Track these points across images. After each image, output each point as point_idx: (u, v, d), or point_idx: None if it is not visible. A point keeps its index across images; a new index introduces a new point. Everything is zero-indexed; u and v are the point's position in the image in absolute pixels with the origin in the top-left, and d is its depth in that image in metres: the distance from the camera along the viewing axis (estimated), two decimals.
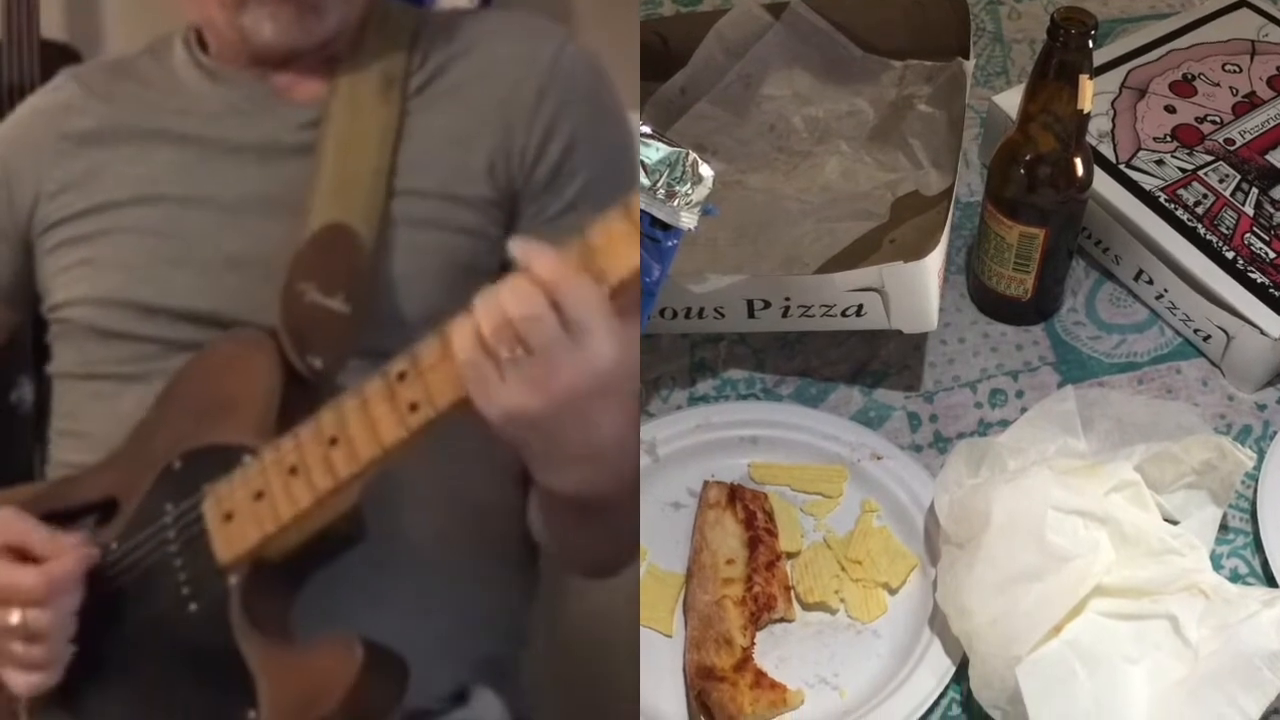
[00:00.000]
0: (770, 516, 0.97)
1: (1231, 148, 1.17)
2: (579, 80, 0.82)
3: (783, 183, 1.24)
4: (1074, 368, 1.09)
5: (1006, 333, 1.12)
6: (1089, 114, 0.98)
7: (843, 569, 0.95)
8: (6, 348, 0.87)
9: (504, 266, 0.63)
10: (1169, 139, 1.18)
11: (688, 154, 0.86)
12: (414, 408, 0.64)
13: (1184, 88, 1.23)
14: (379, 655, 0.67)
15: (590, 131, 0.81)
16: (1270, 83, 1.24)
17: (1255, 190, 1.13)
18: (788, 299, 1.01)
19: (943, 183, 1.17)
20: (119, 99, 0.84)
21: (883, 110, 1.25)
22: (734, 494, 0.97)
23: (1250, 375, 1.06)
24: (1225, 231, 1.09)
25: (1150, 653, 0.84)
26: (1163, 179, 1.14)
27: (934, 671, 0.88)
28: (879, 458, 1.01)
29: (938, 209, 1.13)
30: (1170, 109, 1.21)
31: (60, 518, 0.76)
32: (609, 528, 0.73)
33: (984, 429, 1.05)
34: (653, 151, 0.86)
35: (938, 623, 0.90)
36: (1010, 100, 1.16)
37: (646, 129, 0.87)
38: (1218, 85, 1.23)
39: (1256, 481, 0.98)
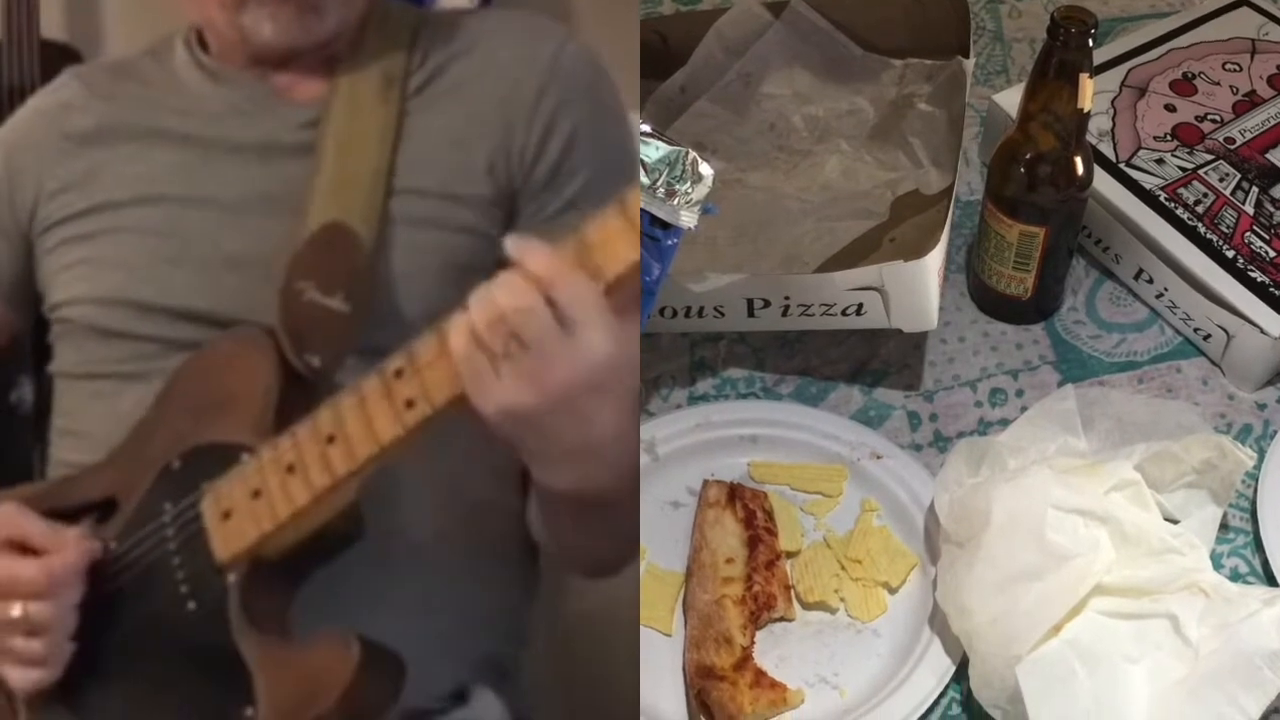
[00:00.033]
0: (770, 515, 0.97)
1: (1232, 146, 1.17)
2: (579, 79, 0.82)
3: (783, 181, 1.24)
4: (1074, 367, 1.09)
5: (1006, 332, 1.12)
6: (1089, 113, 0.98)
7: (843, 568, 0.95)
8: (7, 348, 0.87)
9: (502, 265, 0.62)
10: (1169, 138, 1.18)
11: (687, 152, 0.86)
12: (411, 405, 0.64)
13: (1184, 86, 1.23)
14: (375, 653, 0.67)
15: (590, 130, 0.81)
16: (1270, 81, 1.24)
17: (1255, 189, 1.13)
18: (787, 298, 1.01)
19: (943, 181, 1.17)
20: (120, 99, 0.85)
21: (883, 109, 1.25)
22: (734, 493, 0.97)
23: (1250, 374, 1.06)
24: (1225, 230, 1.09)
25: (1150, 652, 0.84)
26: (1163, 178, 1.13)
27: (934, 671, 0.88)
28: (879, 457, 1.01)
29: (938, 208, 1.13)
30: (1170, 108, 1.21)
31: (60, 517, 0.76)
32: (608, 526, 0.73)
33: (984, 428, 1.05)
34: (652, 150, 0.86)
35: (938, 622, 0.89)
36: (1010, 99, 1.16)
37: (646, 127, 0.87)
38: (1218, 84, 1.23)
39: (1257, 481, 0.98)
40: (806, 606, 0.93)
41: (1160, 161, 1.15)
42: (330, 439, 0.66)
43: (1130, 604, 0.85)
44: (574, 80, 0.82)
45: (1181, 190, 1.12)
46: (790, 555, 0.96)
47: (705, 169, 0.86)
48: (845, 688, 0.89)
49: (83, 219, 0.82)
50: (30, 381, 0.90)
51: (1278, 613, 0.82)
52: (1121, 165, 1.15)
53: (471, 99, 0.81)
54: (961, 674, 0.88)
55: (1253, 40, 1.28)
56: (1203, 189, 1.12)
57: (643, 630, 0.91)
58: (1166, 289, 1.10)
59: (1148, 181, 1.13)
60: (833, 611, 0.93)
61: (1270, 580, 0.93)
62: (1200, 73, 1.24)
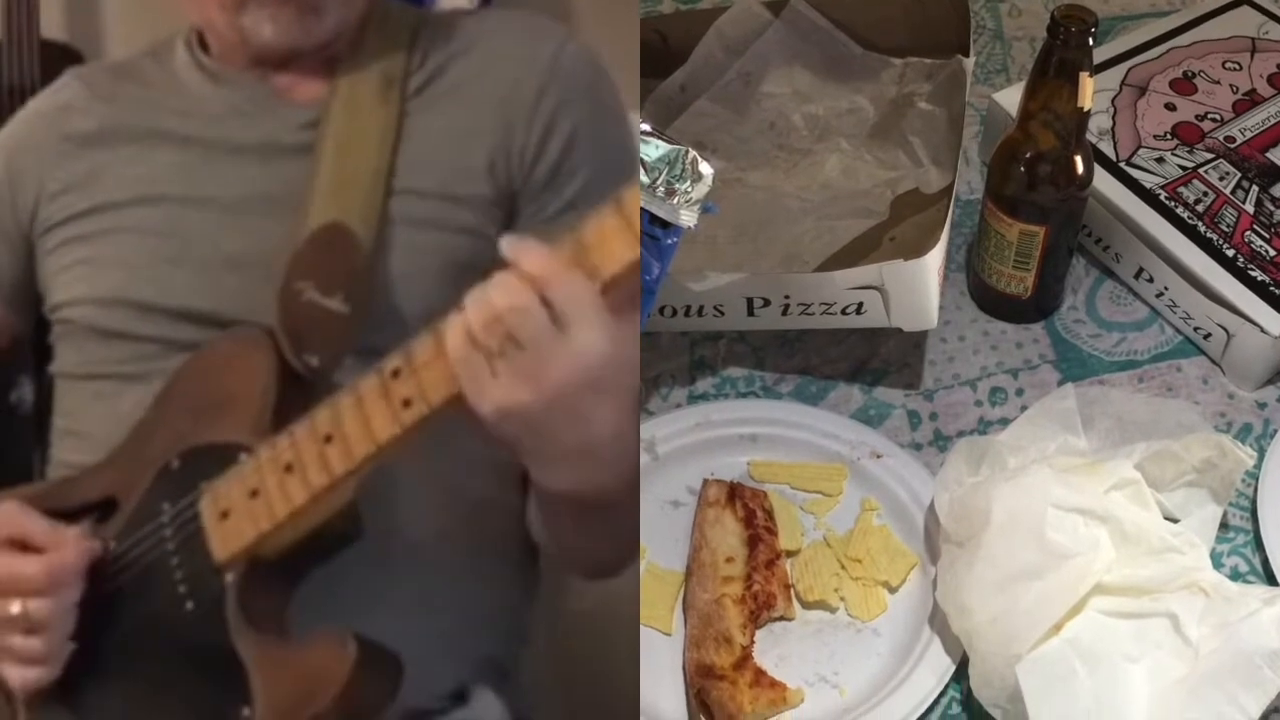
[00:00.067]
0: (770, 515, 0.97)
1: (1232, 145, 1.17)
2: (579, 78, 0.82)
3: (783, 180, 1.24)
4: (1074, 366, 1.09)
5: (1006, 331, 1.12)
6: (1089, 111, 0.97)
7: (842, 567, 0.95)
8: (8, 349, 0.87)
9: (501, 265, 0.62)
10: (1169, 136, 1.18)
11: (687, 151, 0.86)
12: (408, 404, 0.64)
13: (1184, 85, 1.23)
14: (372, 652, 0.67)
15: (590, 130, 0.81)
16: (1271, 80, 1.24)
17: (1255, 188, 1.13)
18: (787, 297, 1.01)
19: (943, 180, 1.17)
20: (121, 100, 0.85)
21: (883, 108, 1.25)
22: (734, 492, 0.97)
23: (1250, 373, 1.06)
24: (1225, 229, 1.09)
25: (1150, 651, 0.84)
26: (1163, 177, 1.13)
27: (934, 670, 0.88)
28: (879, 456, 1.01)
29: (938, 207, 1.13)
30: (1170, 106, 1.21)
31: (60, 517, 0.76)
32: (608, 527, 0.73)
33: (984, 427, 1.05)
34: (652, 149, 0.86)
35: (938, 621, 0.89)
36: (1010, 98, 1.16)
37: (646, 126, 0.87)
38: (1218, 83, 1.23)
39: (1257, 480, 0.98)
40: (806, 606, 0.93)
41: (1160, 160, 1.15)
42: (328, 438, 0.66)
43: (1130, 603, 0.85)
44: (574, 80, 0.82)
45: (1182, 189, 1.12)
46: (790, 554, 0.96)
47: (705, 168, 0.86)
48: (845, 687, 0.89)
49: (83, 220, 0.82)
50: (30, 382, 0.90)
51: (1278, 612, 0.82)
52: (1122, 164, 1.15)
53: (471, 99, 0.81)
54: (961, 673, 0.88)
55: (1253, 39, 1.28)
56: (1203, 188, 1.12)
57: (642, 629, 0.91)
58: (1167, 288, 1.10)
59: (1148, 180, 1.13)
60: (833, 611, 0.93)
61: (1270, 579, 0.93)
62: (1200, 71, 1.24)
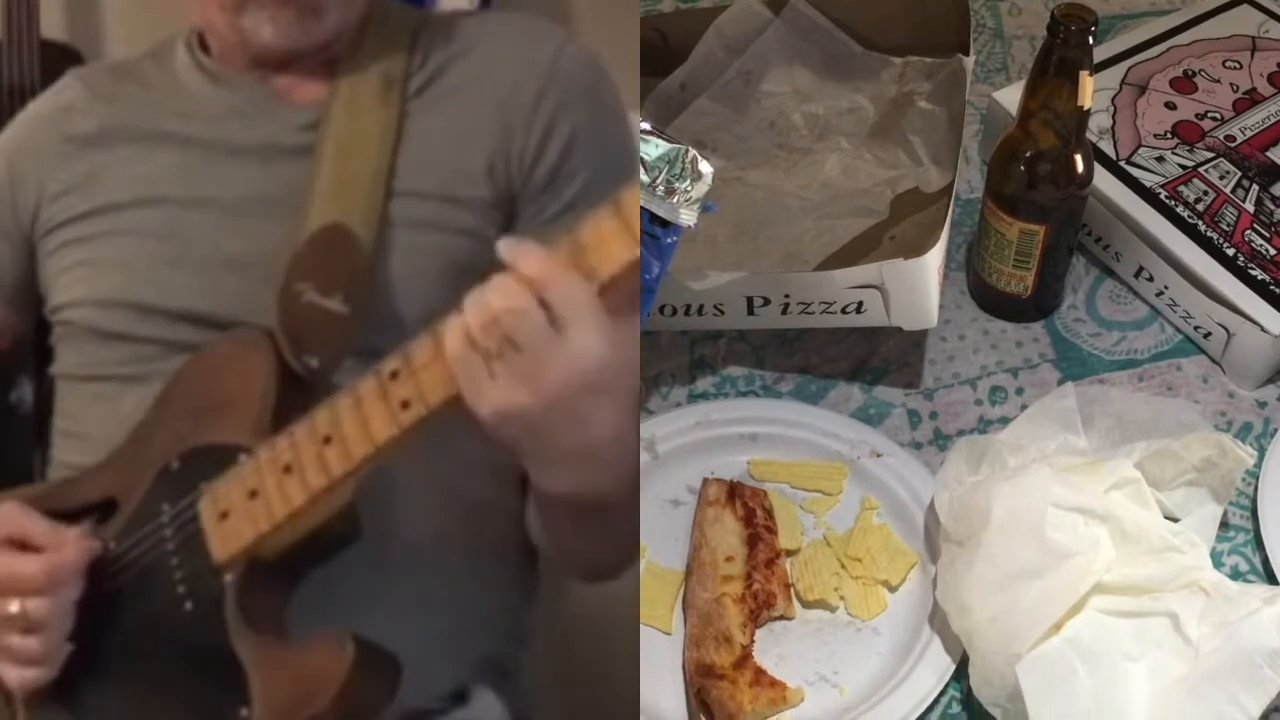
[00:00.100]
0: (770, 514, 0.97)
1: (1232, 144, 1.17)
2: (578, 81, 0.82)
3: (782, 179, 1.23)
4: (1074, 365, 1.09)
5: (1007, 330, 1.12)
6: (1089, 110, 0.97)
7: (842, 566, 0.95)
8: (9, 350, 0.88)
9: (500, 267, 0.62)
10: (1169, 135, 1.18)
11: (687, 150, 0.86)
12: (406, 406, 0.64)
13: (1184, 84, 1.23)
14: (371, 653, 0.67)
15: (590, 132, 0.81)
16: (1271, 79, 1.24)
17: (1256, 187, 1.13)
18: (787, 296, 1.01)
19: (943, 179, 1.17)
20: (121, 101, 0.85)
21: (883, 107, 1.25)
22: (733, 491, 0.97)
23: (1251, 372, 1.06)
24: (1226, 228, 1.09)
25: (1151, 650, 0.84)
26: (1163, 176, 1.13)
27: (934, 669, 0.88)
28: (879, 455, 1.01)
29: (938, 206, 1.13)
30: (1171, 105, 1.21)
31: (60, 518, 0.76)
32: (607, 530, 0.72)
33: (984, 426, 1.05)
34: (652, 148, 0.85)
35: (938, 620, 0.89)
36: (1010, 97, 1.16)
37: (646, 125, 0.87)
38: (1218, 82, 1.23)
39: (1257, 479, 0.98)
40: (806, 605, 0.93)
41: (1160, 159, 1.15)
42: (327, 440, 0.66)
43: (1130, 602, 0.85)
44: (573, 82, 0.82)
45: (1182, 188, 1.12)
46: (790, 553, 0.96)
47: (705, 167, 0.86)
48: (845, 686, 0.89)
49: (84, 221, 0.82)
50: (30, 382, 0.90)
51: (1278, 611, 0.82)
52: (1122, 163, 1.15)
53: (471, 101, 0.81)
54: (961, 672, 0.88)
55: (1253, 38, 1.28)
56: (1203, 187, 1.12)
57: (642, 628, 0.91)
58: (1167, 287, 1.10)
59: (1148, 179, 1.13)
60: (832, 610, 0.93)
61: (1271, 578, 0.93)
62: (1200, 70, 1.24)
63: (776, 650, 0.91)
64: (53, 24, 1.22)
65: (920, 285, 0.96)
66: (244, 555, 0.70)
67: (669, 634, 0.92)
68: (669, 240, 0.87)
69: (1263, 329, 1.02)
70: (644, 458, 1.01)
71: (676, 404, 1.07)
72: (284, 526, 0.68)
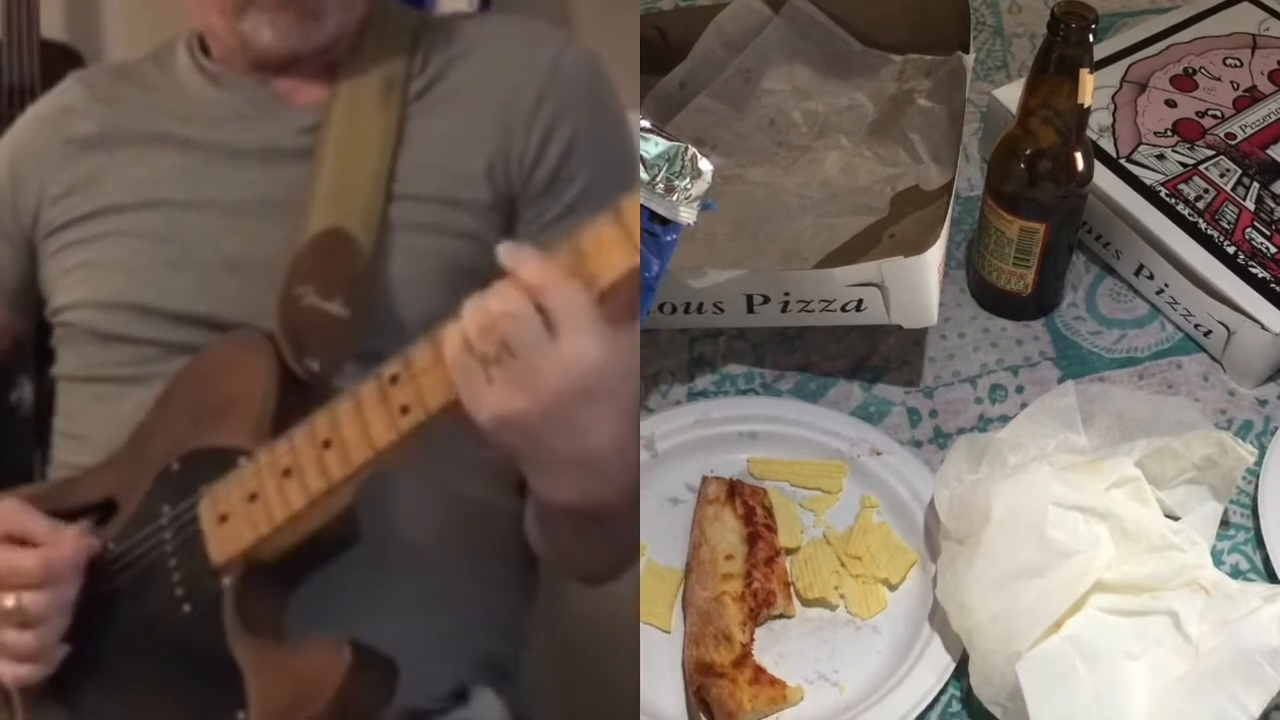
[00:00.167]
0: (769, 512, 0.97)
1: (1233, 142, 1.17)
2: (578, 84, 0.82)
3: (782, 177, 1.23)
4: (1074, 363, 1.09)
5: (1007, 328, 1.12)
6: (1089, 108, 0.97)
7: (842, 565, 0.95)
8: (10, 351, 0.88)
9: (499, 271, 0.62)
10: (1170, 133, 1.18)
11: (687, 148, 0.86)
12: (406, 411, 0.64)
13: (1185, 82, 1.23)
14: (368, 656, 0.67)
15: (590, 135, 0.81)
16: (1271, 77, 1.24)
17: (1256, 185, 1.13)
18: (787, 294, 1.00)
19: (943, 177, 1.17)
20: (122, 103, 0.85)
21: (882, 105, 1.25)
22: (733, 489, 0.97)
23: (1251, 370, 1.06)
24: (1226, 226, 1.09)
25: (1151, 649, 0.84)
26: (1164, 174, 1.13)
27: (934, 668, 0.88)
28: (879, 453, 1.01)
29: (938, 204, 1.13)
30: (1171, 103, 1.21)
31: (60, 518, 0.76)
32: (607, 538, 0.72)
33: (984, 424, 1.05)
34: (652, 146, 0.86)
35: (938, 619, 0.89)
36: (1010, 94, 1.16)
37: (645, 123, 0.87)
38: (1219, 79, 1.23)
39: (1257, 477, 0.98)
40: (806, 603, 0.93)
41: (1161, 157, 1.15)
42: (326, 444, 0.66)
43: (1131, 601, 0.85)
44: (573, 85, 0.82)
45: (1182, 186, 1.12)
46: (790, 552, 0.96)
47: (704, 164, 0.86)
48: (845, 685, 0.89)
49: (85, 223, 0.82)
50: (30, 382, 0.90)
51: (1278, 609, 0.82)
52: (1122, 161, 1.15)
53: (471, 104, 0.81)
54: (961, 671, 0.88)
55: (1253, 35, 1.28)
56: (1203, 184, 1.12)
57: (642, 627, 0.91)
58: (1167, 285, 1.09)
59: (1148, 177, 1.13)
60: (832, 608, 0.93)
61: (1271, 577, 0.93)
62: (1201, 68, 1.24)
63: (776, 649, 0.91)
64: (53, 24, 1.22)
65: (920, 283, 0.96)
66: (243, 558, 0.70)
67: (668, 632, 0.92)
68: (668, 238, 0.87)
69: (1263, 327, 1.02)
70: (643, 456, 1.01)
71: (676, 402, 1.07)
72: (283, 530, 0.68)
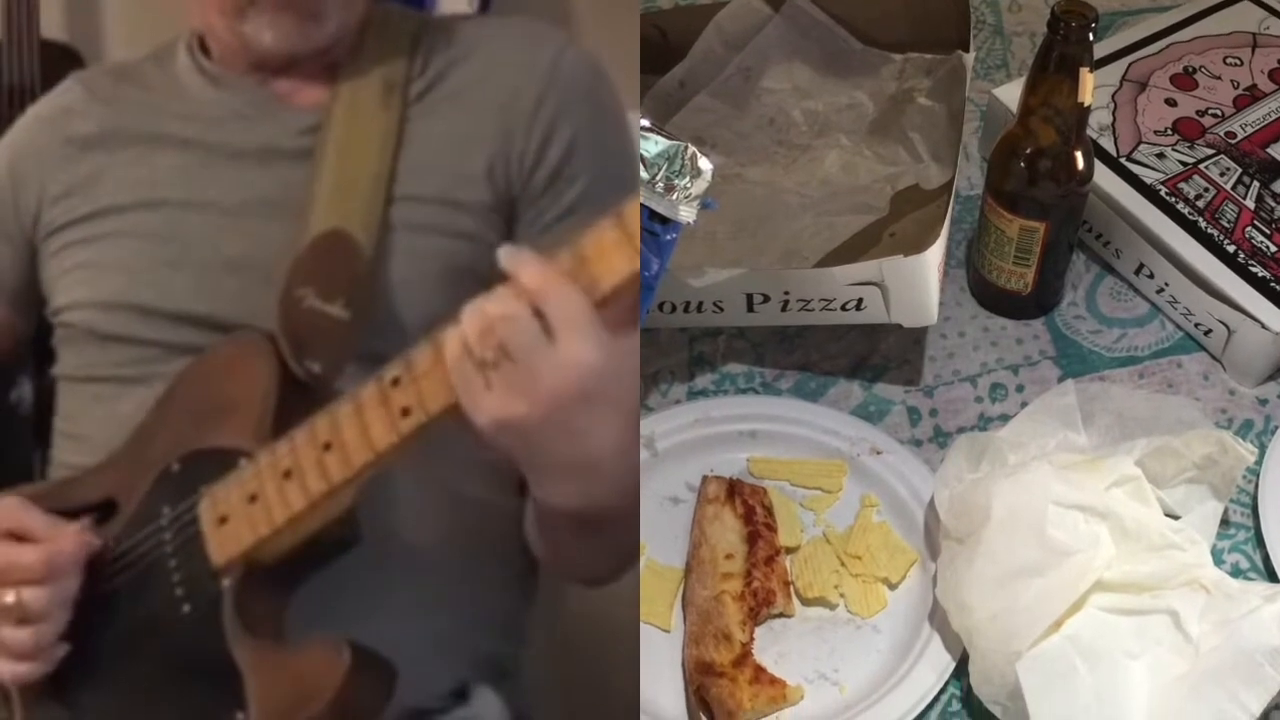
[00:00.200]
0: (769, 511, 0.97)
1: (1233, 141, 1.17)
2: (578, 85, 0.82)
3: (782, 176, 1.23)
4: (1074, 362, 1.09)
5: (1007, 327, 1.12)
6: (1089, 107, 0.97)
7: (842, 564, 0.95)
8: (10, 351, 0.88)
9: (500, 272, 0.62)
10: (1170, 132, 1.17)
11: (686, 147, 0.86)
12: (406, 413, 0.64)
13: (1185, 81, 1.23)
14: (366, 657, 0.67)
15: (590, 136, 0.81)
16: (1271, 76, 1.23)
17: (1256, 184, 1.13)
18: (787, 293, 1.00)
19: (943, 176, 1.17)
20: (122, 103, 0.85)
21: (882, 103, 1.24)
22: (733, 489, 0.97)
23: (1251, 370, 1.06)
24: (1226, 225, 1.09)
25: (1151, 648, 0.84)
26: (1164, 172, 1.13)
27: (934, 667, 0.88)
28: (879, 452, 1.01)
29: (937, 203, 1.13)
30: (1171, 102, 1.21)
31: (60, 518, 0.76)
32: (607, 540, 0.72)
33: (984, 423, 1.05)
34: (651, 145, 0.86)
35: (938, 618, 0.89)
36: (1010, 93, 1.16)
37: (645, 122, 0.87)
38: (1219, 78, 1.23)
39: (1258, 476, 0.98)
40: (806, 602, 0.93)
41: (1161, 156, 1.15)
42: (327, 445, 0.66)
43: (1131, 600, 0.85)
44: (573, 86, 0.81)
45: (1182, 185, 1.12)
46: (790, 551, 0.96)
47: (704, 164, 0.86)
48: (845, 684, 0.89)
49: (85, 223, 0.82)
50: (30, 381, 0.90)
51: (1279, 609, 0.82)
52: (1122, 160, 1.15)
53: (471, 105, 0.81)
54: (961, 670, 0.88)
55: (1254, 34, 1.28)
56: (1204, 184, 1.12)
57: (642, 626, 0.91)
58: (1167, 284, 1.09)
59: (1148, 176, 1.13)
60: (832, 607, 0.93)
61: (1271, 576, 0.93)
62: (1201, 67, 1.24)
63: (776, 648, 0.91)
64: (53, 24, 1.22)
65: (920, 282, 0.96)
66: (242, 559, 0.70)
67: (668, 631, 0.92)
68: (668, 237, 0.87)
69: (1263, 326, 1.02)
70: (643, 455, 1.01)
71: (676, 401, 1.07)
72: (283, 531, 0.68)
